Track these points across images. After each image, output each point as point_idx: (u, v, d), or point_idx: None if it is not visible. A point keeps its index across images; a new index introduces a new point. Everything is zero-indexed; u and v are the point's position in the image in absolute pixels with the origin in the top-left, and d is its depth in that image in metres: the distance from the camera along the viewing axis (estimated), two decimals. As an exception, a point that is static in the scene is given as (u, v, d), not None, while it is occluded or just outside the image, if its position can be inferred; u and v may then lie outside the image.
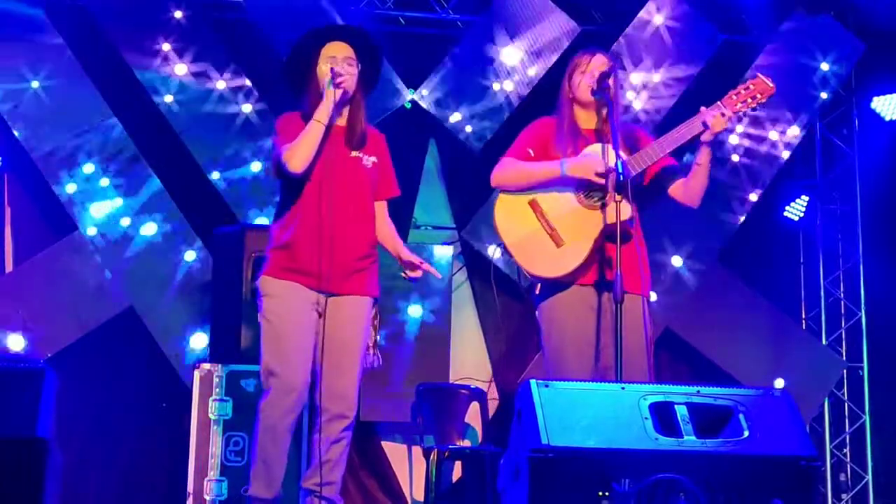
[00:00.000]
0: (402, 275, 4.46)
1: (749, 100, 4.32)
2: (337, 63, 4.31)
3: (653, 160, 4.35)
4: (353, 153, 4.38)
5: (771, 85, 4.33)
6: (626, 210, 4.27)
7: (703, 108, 4.33)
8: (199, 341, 6.63)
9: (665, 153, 4.36)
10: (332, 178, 4.27)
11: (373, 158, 4.44)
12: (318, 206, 4.26)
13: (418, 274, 4.41)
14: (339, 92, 4.26)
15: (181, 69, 6.85)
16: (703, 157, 4.38)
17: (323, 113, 4.23)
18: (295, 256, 4.26)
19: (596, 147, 4.40)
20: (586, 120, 4.54)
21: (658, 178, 4.53)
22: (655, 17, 7.44)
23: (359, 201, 4.38)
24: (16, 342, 6.35)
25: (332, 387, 4.29)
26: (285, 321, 4.26)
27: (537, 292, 4.51)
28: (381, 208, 4.51)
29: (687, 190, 4.50)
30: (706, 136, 4.30)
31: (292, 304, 4.27)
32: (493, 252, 7.10)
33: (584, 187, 4.40)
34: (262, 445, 4.24)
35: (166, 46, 6.83)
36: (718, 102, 4.34)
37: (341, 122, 4.39)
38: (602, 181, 4.30)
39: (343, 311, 4.31)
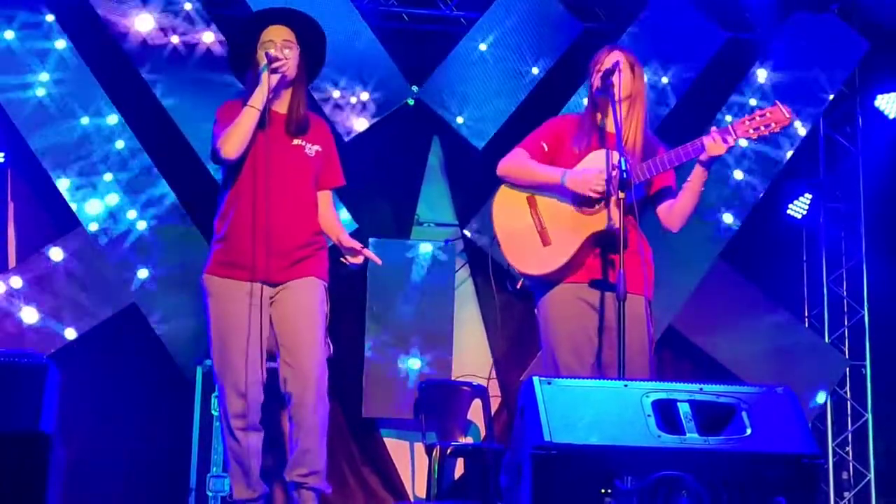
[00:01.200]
0: (342, 260, 4.33)
1: (762, 127, 4.24)
2: (274, 47, 4.20)
3: (654, 173, 4.32)
4: (295, 141, 4.29)
5: (787, 115, 4.23)
6: (616, 218, 4.19)
7: (713, 129, 4.27)
8: (201, 337, 6.63)
9: (667, 168, 4.33)
10: (270, 167, 4.16)
11: (316, 147, 4.34)
12: (253, 196, 4.17)
13: (359, 260, 4.30)
14: (276, 77, 4.16)
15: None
16: (695, 176, 4.33)
17: (257, 98, 4.13)
18: (231, 249, 4.19)
19: (600, 153, 4.34)
20: (600, 119, 4.50)
21: (655, 195, 4.51)
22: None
23: (298, 190, 4.27)
24: (30, 315, 6.40)
25: (292, 372, 4.18)
26: (228, 323, 4.18)
27: (518, 287, 4.50)
28: (325, 197, 4.41)
29: (671, 211, 4.46)
30: (702, 157, 4.26)
31: (232, 305, 4.18)
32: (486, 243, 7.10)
33: (581, 199, 4.38)
34: (229, 446, 4.20)
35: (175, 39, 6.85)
36: (729, 126, 4.29)
37: (281, 108, 4.29)
38: (597, 196, 4.27)
39: (291, 294, 4.21)
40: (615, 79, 4.33)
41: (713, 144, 4.21)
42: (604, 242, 4.30)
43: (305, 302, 4.24)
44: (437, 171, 7.57)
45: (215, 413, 5.74)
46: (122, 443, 6.64)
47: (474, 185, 7.32)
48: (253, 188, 4.18)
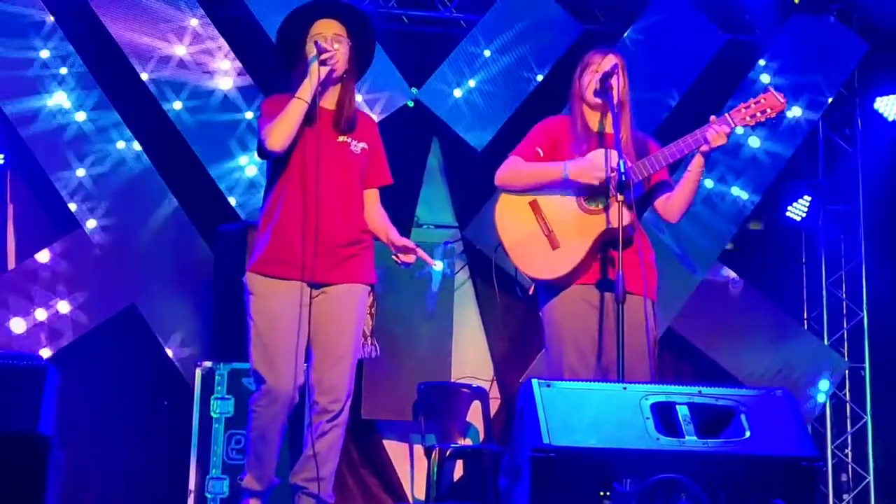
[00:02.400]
0: (394, 258, 4.26)
1: (758, 114, 4.30)
2: (324, 40, 4.12)
3: (656, 169, 4.34)
4: (341, 138, 4.21)
5: (782, 101, 4.31)
6: (626, 217, 4.23)
7: (712, 118, 4.30)
8: (200, 339, 6.64)
9: (669, 163, 4.35)
10: (315, 164, 4.08)
11: (362, 144, 4.27)
12: (301, 193, 4.11)
13: (411, 259, 4.24)
14: (326, 70, 4.07)
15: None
16: (695, 165, 4.36)
17: (305, 90, 4.05)
18: (279, 246, 4.11)
19: (599, 152, 4.36)
20: (593, 120, 4.52)
21: (652, 190, 4.52)
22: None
23: (345, 188, 4.20)
24: (30, 315, 6.41)
25: (321, 379, 4.15)
26: (271, 324, 4.11)
27: (531, 293, 4.49)
28: (371, 196, 4.35)
29: (669, 202, 4.48)
30: (704, 148, 4.29)
31: (278, 305, 4.12)
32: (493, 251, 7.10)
33: (585, 192, 4.38)
34: (254, 443, 4.16)
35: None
36: (726, 115, 4.32)
37: (330, 104, 4.22)
38: (602, 183, 4.28)
39: (334, 301, 4.15)
40: (614, 81, 4.36)
41: (716, 135, 4.24)
42: (610, 243, 4.29)
43: (346, 312, 4.19)
44: (436, 172, 7.57)
45: (215, 415, 5.74)
46: (121, 445, 6.64)
47: (474, 186, 7.32)
48: (300, 185, 4.12)
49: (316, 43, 4.09)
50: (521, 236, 4.43)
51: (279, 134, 4.05)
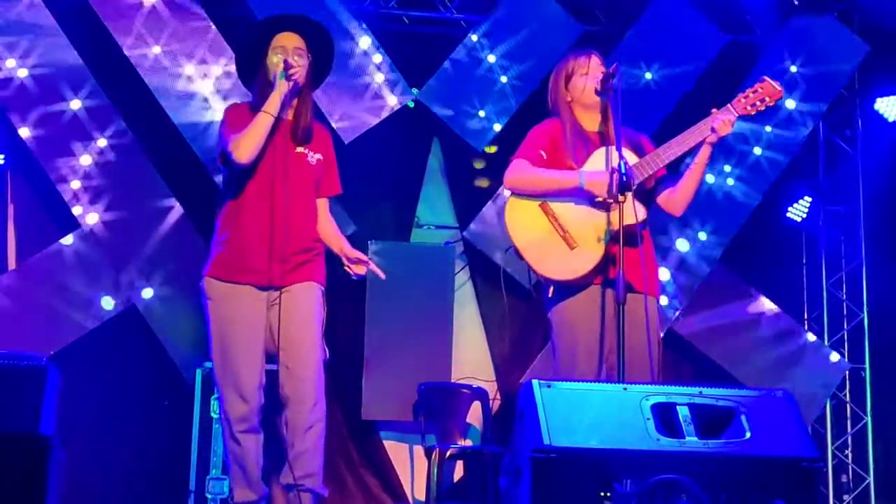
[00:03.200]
0: (346, 268, 4.35)
1: (758, 102, 4.36)
2: (287, 53, 4.23)
3: (659, 167, 4.36)
4: (298, 149, 4.30)
5: (779, 88, 4.37)
6: (641, 212, 4.27)
7: (714, 111, 4.33)
8: (201, 339, 6.63)
9: (675, 156, 4.37)
10: (277, 174, 4.19)
11: (318, 155, 4.35)
12: (263, 202, 4.19)
13: (363, 270, 4.33)
14: (290, 84, 4.18)
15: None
16: (701, 157, 4.40)
17: (272, 104, 4.14)
18: (239, 253, 4.19)
19: (602, 152, 4.39)
20: (588, 122, 4.54)
21: (653, 187, 4.53)
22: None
23: (302, 197, 4.29)
24: (31, 315, 6.41)
25: (292, 376, 4.18)
26: (231, 329, 4.18)
27: (550, 295, 4.48)
28: (322, 205, 4.42)
29: (673, 195, 4.50)
30: (711, 139, 4.32)
31: (234, 308, 4.19)
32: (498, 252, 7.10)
33: (596, 199, 4.38)
34: (230, 449, 4.20)
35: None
36: (728, 105, 4.36)
37: (288, 115, 4.30)
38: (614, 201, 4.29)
39: (290, 299, 4.21)
40: (615, 82, 4.38)
41: (722, 125, 4.29)
42: (626, 240, 4.29)
43: (305, 307, 4.25)
44: (436, 173, 7.57)
45: (215, 416, 5.74)
46: (121, 445, 6.64)
47: (474, 187, 7.33)
48: (258, 194, 4.20)
49: (285, 60, 4.19)
50: (535, 238, 4.42)
51: (247, 147, 4.13)
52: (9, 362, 3.43)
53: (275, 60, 4.24)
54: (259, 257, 4.17)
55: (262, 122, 4.14)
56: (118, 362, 6.69)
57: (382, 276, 4.45)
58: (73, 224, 6.67)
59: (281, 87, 4.16)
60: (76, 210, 6.64)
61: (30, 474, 3.25)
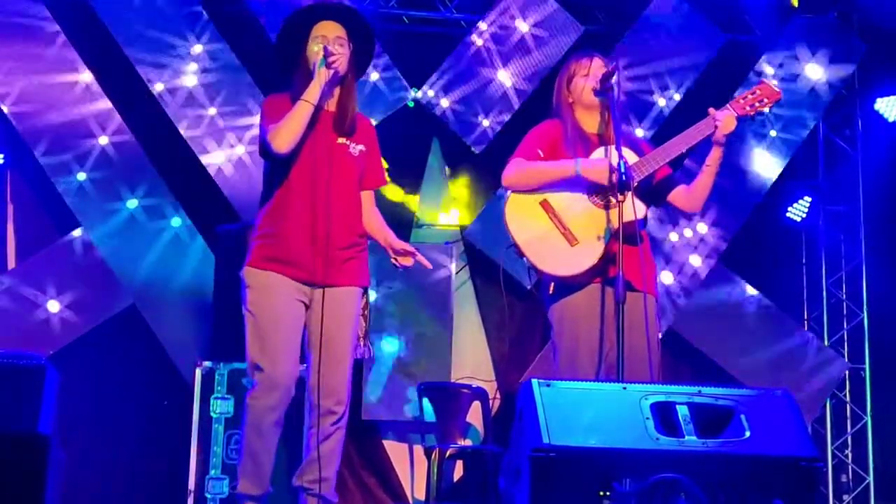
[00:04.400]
0: (392, 261, 4.30)
1: (756, 104, 4.39)
2: (328, 42, 4.14)
3: (663, 162, 4.37)
4: (340, 140, 4.21)
5: (777, 90, 4.40)
6: (640, 210, 4.29)
7: (711, 110, 4.35)
8: (200, 339, 6.64)
9: (676, 155, 4.38)
10: (319, 166, 4.11)
11: (360, 146, 4.28)
12: (306, 194, 4.12)
13: (410, 262, 4.28)
14: (331, 72, 4.09)
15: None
16: (714, 157, 4.41)
17: (312, 93, 4.05)
18: (282, 246, 4.12)
19: (600, 151, 4.41)
20: (589, 123, 4.55)
21: (659, 185, 4.54)
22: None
23: (346, 190, 4.21)
24: (31, 315, 6.43)
25: (321, 382, 4.13)
26: (270, 315, 4.11)
27: (551, 292, 4.49)
28: (367, 197, 4.35)
29: (691, 194, 4.53)
30: (717, 136, 4.33)
31: (278, 297, 4.12)
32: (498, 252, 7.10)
33: (594, 189, 4.39)
34: (249, 440, 4.12)
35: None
36: (727, 105, 4.38)
37: (331, 106, 4.22)
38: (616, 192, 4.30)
39: (332, 302, 4.13)
40: (613, 81, 4.40)
41: (728, 121, 4.31)
42: (625, 238, 4.29)
43: (345, 314, 4.19)
44: (436, 172, 7.57)
45: (214, 415, 5.74)
46: (120, 444, 6.64)
47: (474, 186, 7.33)
48: (305, 187, 4.13)
49: (325, 46, 4.11)
50: (536, 235, 4.43)
51: (286, 136, 4.05)
52: (8, 361, 3.43)
53: (314, 49, 4.15)
54: (301, 251, 4.10)
55: (302, 111, 4.04)
56: (117, 361, 6.69)
57: (429, 265, 4.41)
58: (72, 223, 6.66)
59: (321, 76, 4.06)
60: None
61: (29, 474, 3.25)
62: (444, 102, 7.27)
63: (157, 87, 6.85)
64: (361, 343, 4.38)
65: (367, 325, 4.41)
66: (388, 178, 4.49)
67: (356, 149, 4.27)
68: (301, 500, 4.21)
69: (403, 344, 7.07)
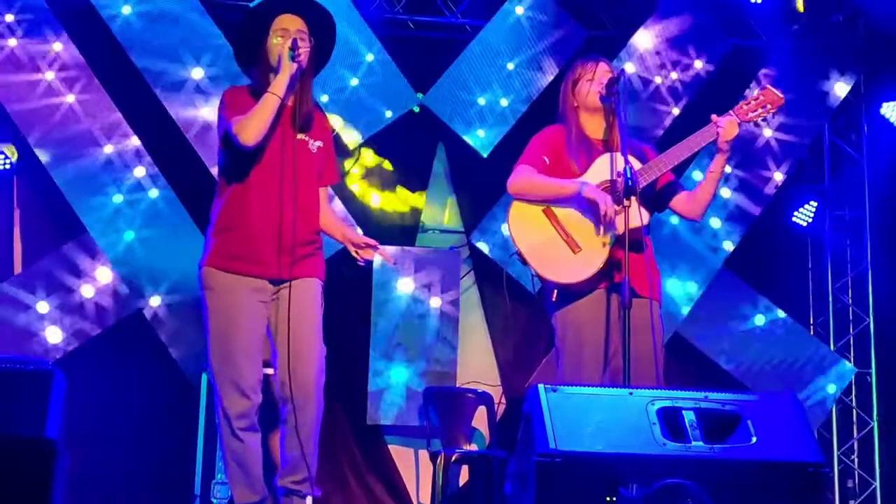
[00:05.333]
0: (354, 255, 4.24)
1: (760, 110, 4.39)
2: (289, 36, 4.10)
3: (662, 171, 4.37)
4: (299, 136, 4.17)
5: (780, 96, 4.39)
6: (644, 216, 4.31)
7: (714, 117, 4.35)
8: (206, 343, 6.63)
9: (679, 161, 4.38)
10: (282, 161, 4.07)
11: (318, 143, 4.24)
12: (268, 190, 4.07)
13: (371, 255, 4.22)
14: (295, 66, 4.05)
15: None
16: (717, 164, 4.41)
17: (279, 85, 4.02)
18: (246, 243, 4.07)
19: (605, 157, 4.42)
20: (593, 128, 4.56)
21: (661, 191, 4.55)
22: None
23: (307, 186, 4.18)
24: (36, 318, 6.46)
25: (291, 376, 4.04)
26: (232, 321, 4.06)
27: (554, 299, 4.49)
28: (323, 194, 4.31)
29: (693, 201, 4.53)
30: (719, 143, 4.33)
31: (235, 300, 4.06)
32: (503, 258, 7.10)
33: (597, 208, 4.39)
34: (231, 449, 4.08)
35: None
36: (730, 112, 4.37)
37: (289, 101, 4.15)
38: (614, 188, 4.30)
39: (294, 295, 4.07)
40: (620, 87, 4.40)
41: (729, 126, 4.31)
42: (623, 246, 4.30)
43: (308, 304, 4.14)
44: (441, 177, 7.58)
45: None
46: (126, 449, 6.64)
47: (480, 191, 7.33)
48: (264, 182, 4.09)
49: (293, 40, 4.08)
50: (539, 243, 4.44)
51: (254, 128, 4.01)
52: (15, 366, 3.43)
53: (276, 42, 4.12)
54: (268, 248, 4.06)
55: (269, 103, 4.01)
56: (124, 366, 6.69)
57: (392, 260, 4.39)
58: (78, 228, 6.67)
59: (287, 69, 4.04)
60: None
61: (35, 478, 3.25)
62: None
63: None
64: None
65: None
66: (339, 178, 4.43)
67: (314, 145, 4.24)
68: (281, 499, 4.14)
69: (409, 348, 7.07)
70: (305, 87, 4.20)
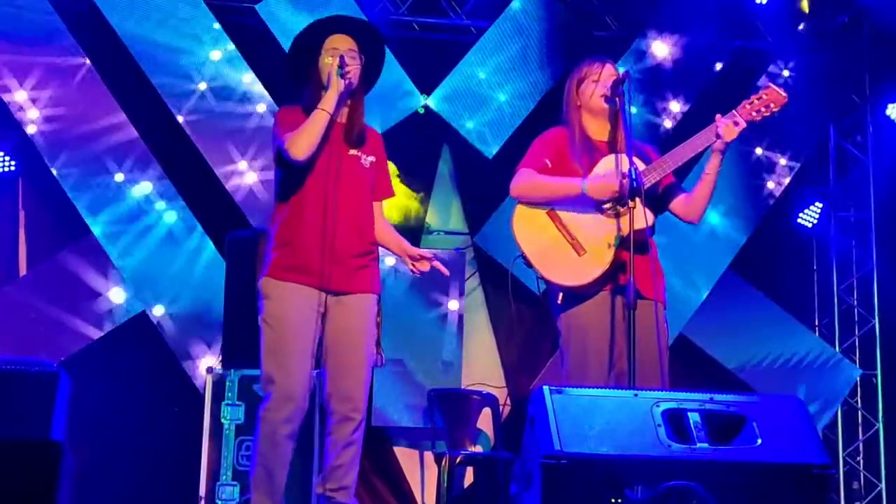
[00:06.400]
0: (410, 267, 4.35)
1: (762, 109, 4.36)
2: (339, 54, 4.21)
3: (666, 172, 4.37)
4: (352, 151, 4.28)
5: (783, 95, 4.37)
6: (649, 217, 4.30)
7: (718, 116, 4.35)
8: (211, 345, 6.65)
9: (682, 162, 4.37)
10: (333, 176, 4.17)
11: (371, 158, 4.35)
12: (320, 204, 4.16)
13: (426, 267, 4.32)
14: (344, 83, 4.17)
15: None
16: (713, 165, 4.40)
17: (329, 102, 4.13)
18: (297, 254, 4.16)
19: (610, 159, 4.40)
20: (597, 130, 4.54)
21: (664, 192, 4.54)
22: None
23: (358, 200, 4.27)
24: (41, 319, 6.47)
25: (339, 388, 4.19)
26: (286, 327, 4.15)
27: (560, 301, 4.48)
28: (378, 208, 4.42)
29: (689, 203, 4.51)
30: (718, 145, 4.33)
31: (293, 309, 4.16)
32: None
33: (603, 200, 4.39)
34: (263, 452, 4.15)
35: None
36: (733, 111, 4.37)
37: (341, 118, 4.29)
38: (617, 197, 4.30)
39: (348, 309, 4.21)
40: (625, 88, 4.40)
41: (728, 130, 4.30)
42: (629, 248, 4.30)
43: (361, 321, 4.25)
44: (446, 179, 7.58)
45: (225, 422, 5.74)
46: (131, 451, 6.64)
47: (484, 193, 7.33)
48: (315, 196, 4.18)
49: (341, 57, 4.18)
50: (544, 246, 4.43)
51: (304, 144, 4.11)
52: (20, 368, 3.44)
53: (327, 61, 4.22)
54: (315, 258, 4.14)
55: (319, 119, 4.12)
56: (128, 368, 6.70)
57: (447, 272, 4.44)
58: (83, 230, 6.68)
59: (336, 85, 4.14)
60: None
61: (41, 480, 3.26)
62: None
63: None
64: (374, 350, 4.42)
65: (380, 333, 4.43)
66: (394, 191, 4.53)
67: (367, 160, 4.34)
68: None
69: (413, 350, 7.07)
70: (356, 104, 4.32)
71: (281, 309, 4.17)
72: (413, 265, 4.34)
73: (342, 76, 4.15)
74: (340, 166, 4.21)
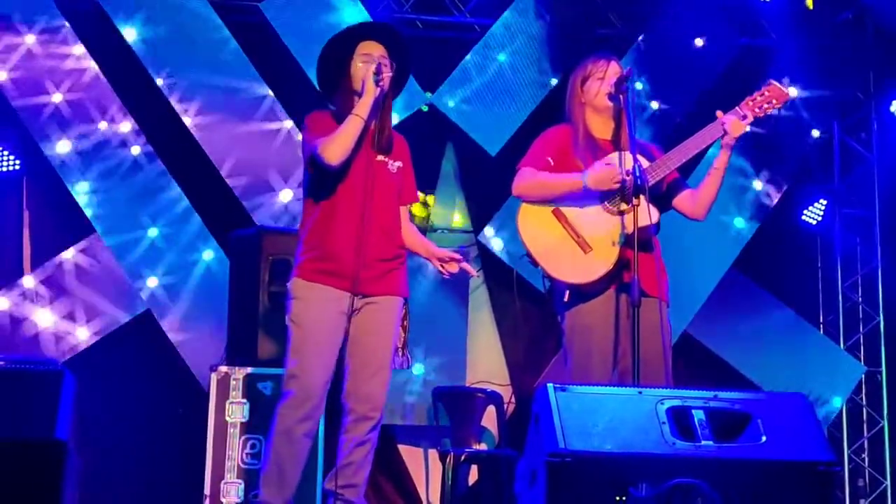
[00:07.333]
0: (439, 269, 4.42)
1: (765, 105, 4.39)
2: (373, 60, 4.28)
3: (670, 169, 4.37)
4: (380, 157, 4.35)
5: (786, 91, 4.40)
6: (654, 214, 4.29)
7: (719, 113, 4.35)
8: (215, 344, 6.64)
9: (686, 159, 4.38)
10: (364, 182, 4.24)
11: (398, 163, 4.44)
12: (350, 209, 4.24)
13: (455, 268, 4.39)
14: (378, 90, 4.22)
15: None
16: (722, 160, 4.41)
17: (364, 108, 4.19)
18: (328, 257, 4.24)
19: (614, 156, 4.41)
20: (601, 128, 4.54)
21: (668, 189, 4.54)
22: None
23: (387, 204, 4.36)
24: (45, 320, 6.50)
25: (359, 388, 4.28)
26: (312, 327, 4.23)
27: (566, 300, 4.48)
28: (404, 213, 4.49)
29: (696, 199, 4.52)
30: (726, 140, 4.33)
31: (321, 310, 4.24)
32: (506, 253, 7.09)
33: (608, 196, 4.39)
34: (277, 449, 4.21)
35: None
36: (736, 108, 4.37)
37: (370, 124, 4.33)
38: (622, 185, 4.29)
39: (375, 312, 4.30)
40: (629, 86, 4.40)
41: (736, 125, 4.32)
42: (639, 243, 4.29)
43: (386, 323, 4.34)
44: (450, 177, 7.57)
45: (230, 420, 5.74)
46: (136, 449, 6.65)
47: (488, 191, 7.32)
48: (347, 201, 4.25)
49: (378, 63, 4.25)
50: (550, 244, 4.43)
51: (339, 149, 4.17)
52: (25, 367, 3.45)
53: (360, 66, 4.29)
54: (350, 264, 4.20)
55: (354, 124, 4.18)
56: (133, 367, 6.70)
57: (474, 273, 4.51)
58: (88, 229, 6.69)
59: (371, 91, 4.20)
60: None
61: (45, 479, 3.26)
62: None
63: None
64: (400, 353, 4.51)
65: (407, 335, 4.49)
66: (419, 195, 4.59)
67: (394, 166, 4.43)
68: (328, 502, 4.30)
69: (418, 348, 7.07)
70: (386, 110, 4.40)
71: (308, 310, 4.24)
72: (442, 267, 4.40)
73: (377, 83, 4.21)
74: (371, 172, 4.27)
